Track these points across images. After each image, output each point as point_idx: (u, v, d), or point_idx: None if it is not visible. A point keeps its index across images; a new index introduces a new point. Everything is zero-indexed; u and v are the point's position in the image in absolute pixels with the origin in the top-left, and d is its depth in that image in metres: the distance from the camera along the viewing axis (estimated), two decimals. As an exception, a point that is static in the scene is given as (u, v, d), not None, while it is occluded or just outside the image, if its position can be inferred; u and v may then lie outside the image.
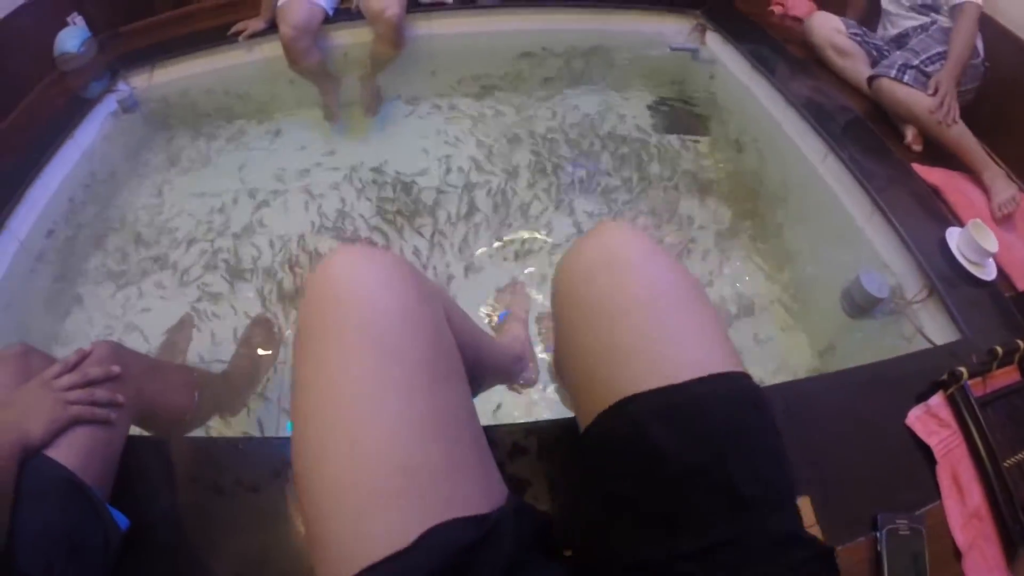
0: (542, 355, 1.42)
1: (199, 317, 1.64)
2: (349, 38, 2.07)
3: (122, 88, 1.99)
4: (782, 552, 0.48)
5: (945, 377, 1.05)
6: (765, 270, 1.71)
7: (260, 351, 1.51)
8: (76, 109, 1.89)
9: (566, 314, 0.60)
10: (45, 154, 1.72)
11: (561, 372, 0.64)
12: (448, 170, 1.97)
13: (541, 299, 1.60)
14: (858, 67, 1.77)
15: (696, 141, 2.06)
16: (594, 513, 0.54)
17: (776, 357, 1.55)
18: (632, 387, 0.51)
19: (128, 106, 1.99)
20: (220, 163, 2.06)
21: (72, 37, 1.98)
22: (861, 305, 1.29)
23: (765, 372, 1.51)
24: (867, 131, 1.61)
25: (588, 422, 0.54)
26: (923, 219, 1.39)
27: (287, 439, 1.04)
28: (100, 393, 0.82)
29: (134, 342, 1.60)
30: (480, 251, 1.74)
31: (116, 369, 0.86)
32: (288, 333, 1.56)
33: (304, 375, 0.50)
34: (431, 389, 0.49)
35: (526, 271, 1.68)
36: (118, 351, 0.93)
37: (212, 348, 1.57)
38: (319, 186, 1.95)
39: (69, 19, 2.02)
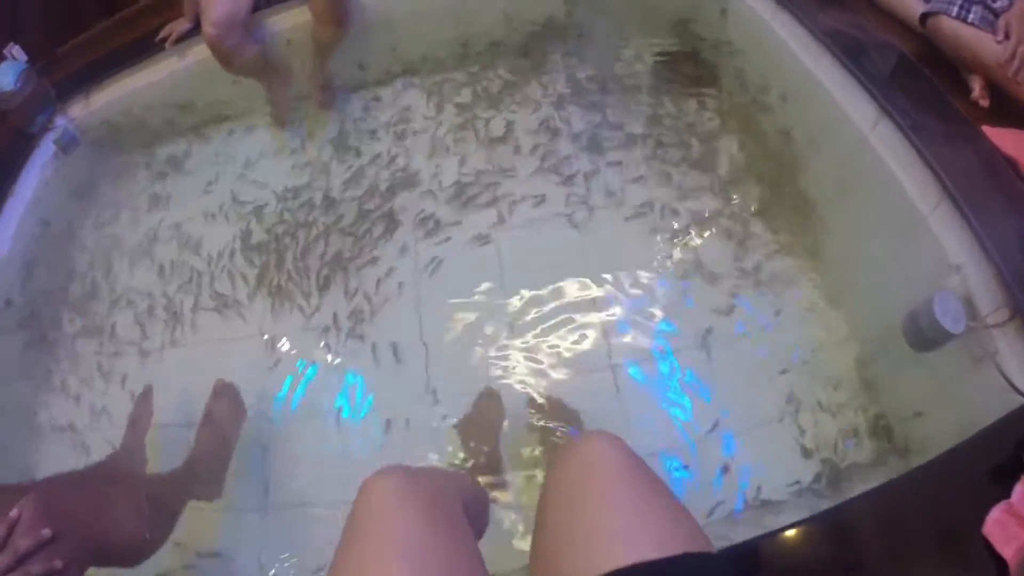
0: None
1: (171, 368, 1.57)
2: (289, 21, 1.77)
3: (59, 124, 1.79)
4: None
5: (1033, 463, 0.84)
6: (795, 261, 1.47)
7: (226, 424, 1.38)
8: (20, 154, 1.73)
9: (552, 509, 0.67)
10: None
11: (536, 560, 0.67)
12: (419, 172, 1.73)
13: (522, 386, 1.39)
14: (906, -3, 1.41)
15: (705, 98, 1.73)
16: None
17: (808, 370, 1.35)
18: (611, 563, 0.55)
19: (66, 143, 1.79)
20: (172, 188, 1.89)
21: (6, 73, 1.75)
22: (929, 337, 1.03)
23: (799, 389, 1.32)
24: (926, 85, 1.27)
25: None
26: (1002, 208, 1.10)
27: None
28: (35, 569, 0.79)
29: (113, 398, 1.55)
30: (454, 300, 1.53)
31: (47, 533, 0.81)
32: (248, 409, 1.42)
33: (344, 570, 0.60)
34: None
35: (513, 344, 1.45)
36: (50, 503, 0.86)
37: (183, 409, 1.46)
38: (264, 202, 1.77)
39: (6, 51, 1.78)
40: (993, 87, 1.28)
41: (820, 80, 1.40)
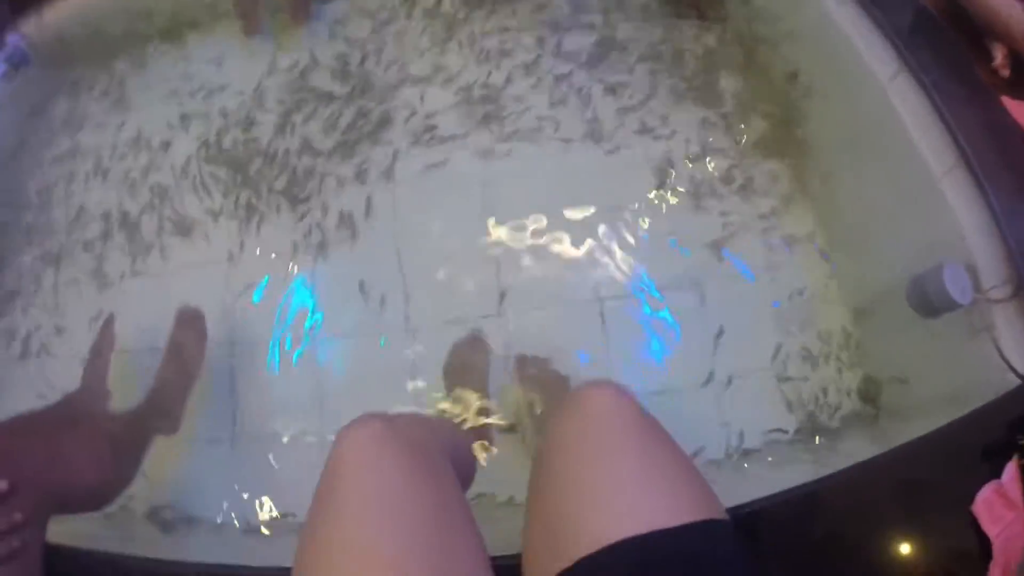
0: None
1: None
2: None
3: (10, 41, 1.63)
4: None
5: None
6: (795, 208, 1.43)
7: (189, 352, 1.33)
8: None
9: (556, 464, 0.62)
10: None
11: (535, 519, 0.62)
12: (400, 87, 1.60)
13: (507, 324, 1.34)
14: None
15: (711, 28, 1.61)
16: None
17: (800, 321, 1.34)
18: (625, 530, 0.51)
19: (17, 61, 1.64)
20: (132, 101, 1.73)
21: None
22: (935, 305, 1.01)
23: (789, 339, 1.32)
24: (952, 45, 1.20)
25: (562, 567, 0.53)
26: (1017, 182, 1.07)
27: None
28: None
29: (74, 329, 1.48)
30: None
31: (2, 485, 0.78)
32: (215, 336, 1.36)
33: (316, 533, 0.56)
34: (438, 543, 0.55)
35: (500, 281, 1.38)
36: (5, 453, 0.84)
37: (149, 335, 1.39)
38: (232, 114, 1.63)
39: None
40: (1016, 57, 1.22)
41: (838, 22, 1.30)
